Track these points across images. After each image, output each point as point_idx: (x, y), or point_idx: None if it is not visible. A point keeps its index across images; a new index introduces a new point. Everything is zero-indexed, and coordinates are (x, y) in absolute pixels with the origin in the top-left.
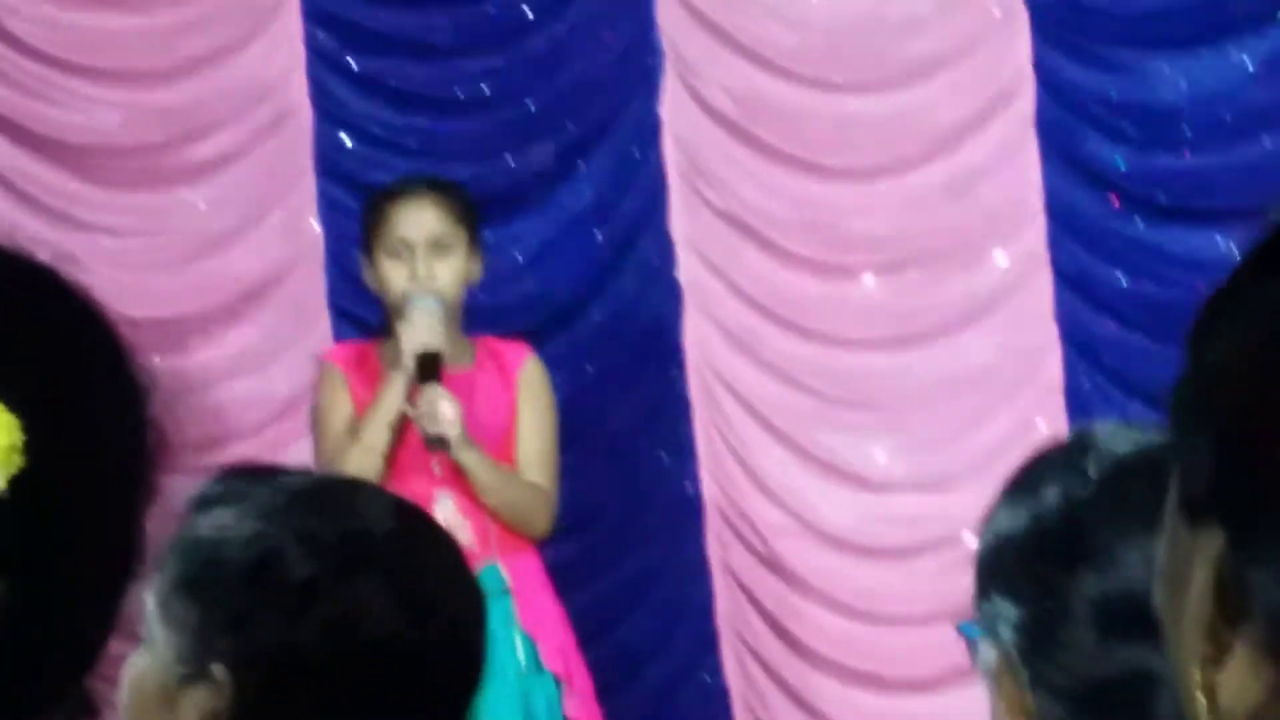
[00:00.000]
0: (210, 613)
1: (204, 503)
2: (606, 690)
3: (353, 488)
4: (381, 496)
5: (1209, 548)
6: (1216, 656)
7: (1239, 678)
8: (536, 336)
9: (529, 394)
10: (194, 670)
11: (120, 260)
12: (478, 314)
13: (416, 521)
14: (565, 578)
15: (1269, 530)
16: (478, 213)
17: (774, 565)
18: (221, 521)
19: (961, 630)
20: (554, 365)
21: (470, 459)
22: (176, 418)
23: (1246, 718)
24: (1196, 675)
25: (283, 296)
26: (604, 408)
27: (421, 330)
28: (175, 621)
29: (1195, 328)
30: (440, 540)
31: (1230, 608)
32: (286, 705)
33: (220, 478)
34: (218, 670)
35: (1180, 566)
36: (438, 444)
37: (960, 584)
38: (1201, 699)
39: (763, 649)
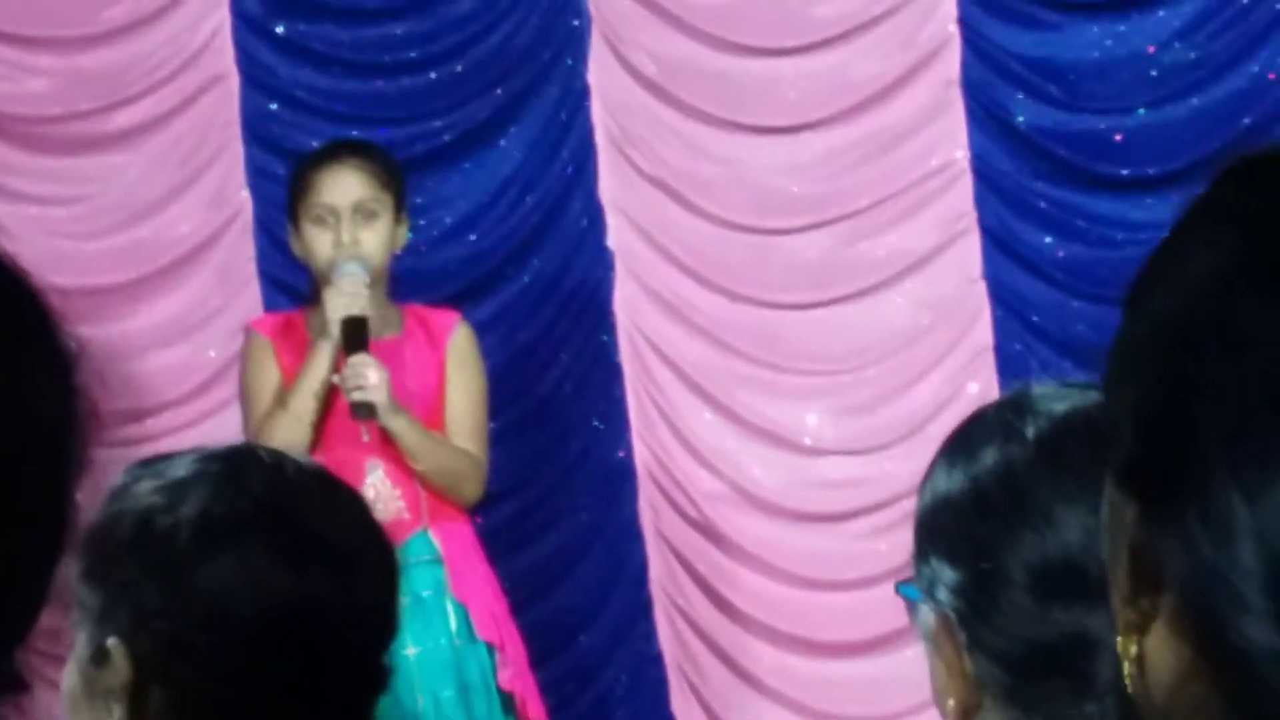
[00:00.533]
0: (106, 592)
1: (111, 497)
2: (541, 657)
3: (243, 456)
4: (272, 463)
5: (1129, 519)
6: (1141, 624)
7: (1162, 646)
8: (465, 301)
9: (458, 361)
10: (97, 651)
11: (48, 228)
12: (405, 279)
13: (310, 483)
14: (498, 544)
15: (1179, 503)
16: (403, 178)
17: (707, 530)
18: (115, 507)
19: (901, 592)
20: (484, 330)
21: (399, 425)
22: (106, 388)
23: (1172, 685)
24: (1123, 642)
25: (212, 264)
26: (535, 373)
27: (347, 296)
28: (84, 610)
29: (1131, 289)
30: (338, 499)
31: (1149, 579)
32: (184, 672)
33: (125, 471)
34: (112, 644)
35: (1115, 530)
36: (364, 411)
37: (892, 547)
38: (1129, 666)
39: (696, 614)
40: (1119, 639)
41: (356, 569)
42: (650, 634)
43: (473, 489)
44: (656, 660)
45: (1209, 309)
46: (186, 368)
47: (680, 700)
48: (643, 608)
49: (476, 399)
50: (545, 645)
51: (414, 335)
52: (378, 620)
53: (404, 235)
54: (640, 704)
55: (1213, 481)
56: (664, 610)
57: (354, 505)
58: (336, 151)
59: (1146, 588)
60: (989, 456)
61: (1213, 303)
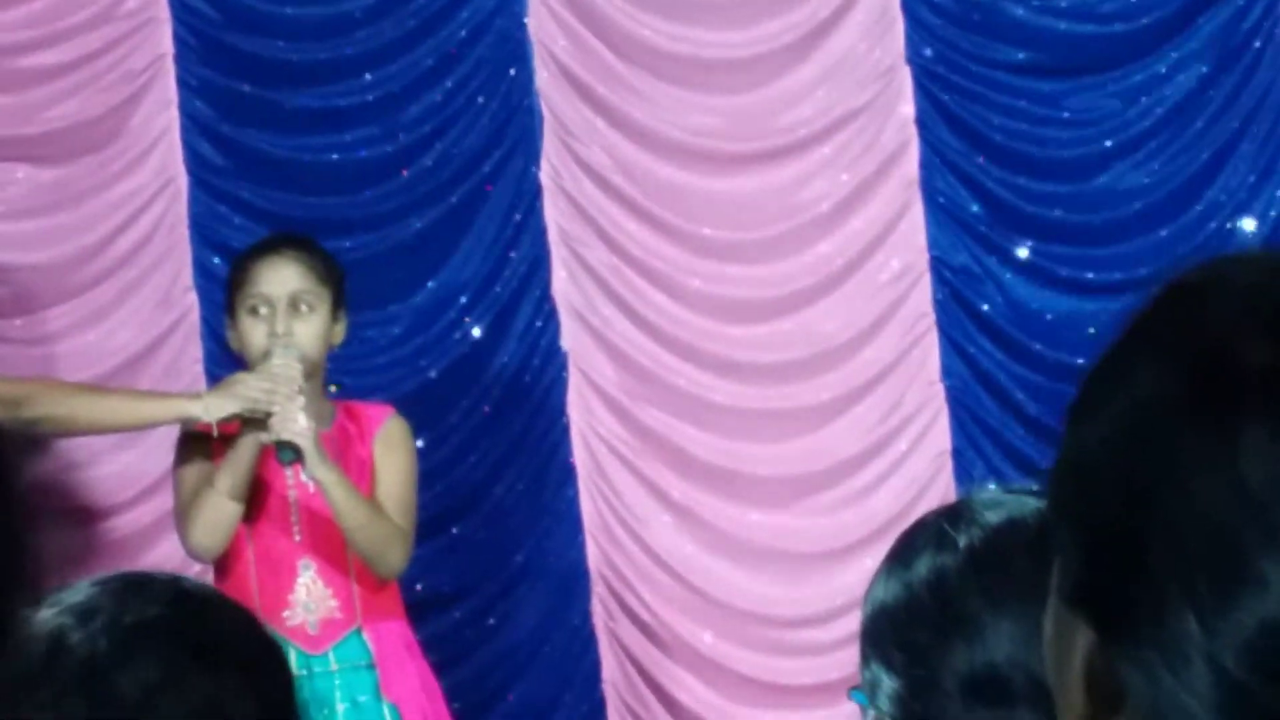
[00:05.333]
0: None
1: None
2: None
3: (139, 574)
4: (169, 577)
5: (1082, 640)
6: None
7: None
8: (419, 402)
9: (386, 446)
10: None
11: None
12: (356, 381)
13: (207, 593)
14: (451, 645)
15: (1139, 633)
16: (343, 275)
17: (659, 635)
18: (11, 641)
19: (852, 697)
20: (438, 433)
21: (327, 476)
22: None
23: None
24: None
25: (158, 366)
26: (488, 473)
27: (279, 369)
28: None
29: (1072, 409)
30: (234, 609)
31: (1104, 701)
32: None
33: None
34: None
35: (1062, 645)
36: (290, 453)
37: (852, 655)
38: None
39: (650, 716)
40: None
41: (261, 671)
42: None
43: (398, 558)
44: None
45: (1151, 440)
46: (131, 474)
47: None
48: (596, 709)
49: (404, 479)
50: None
51: (345, 430)
52: (282, 717)
53: (341, 332)
54: None
55: (1167, 609)
56: (616, 712)
57: (247, 615)
58: (275, 243)
59: (1101, 710)
60: (923, 565)
61: (1154, 433)
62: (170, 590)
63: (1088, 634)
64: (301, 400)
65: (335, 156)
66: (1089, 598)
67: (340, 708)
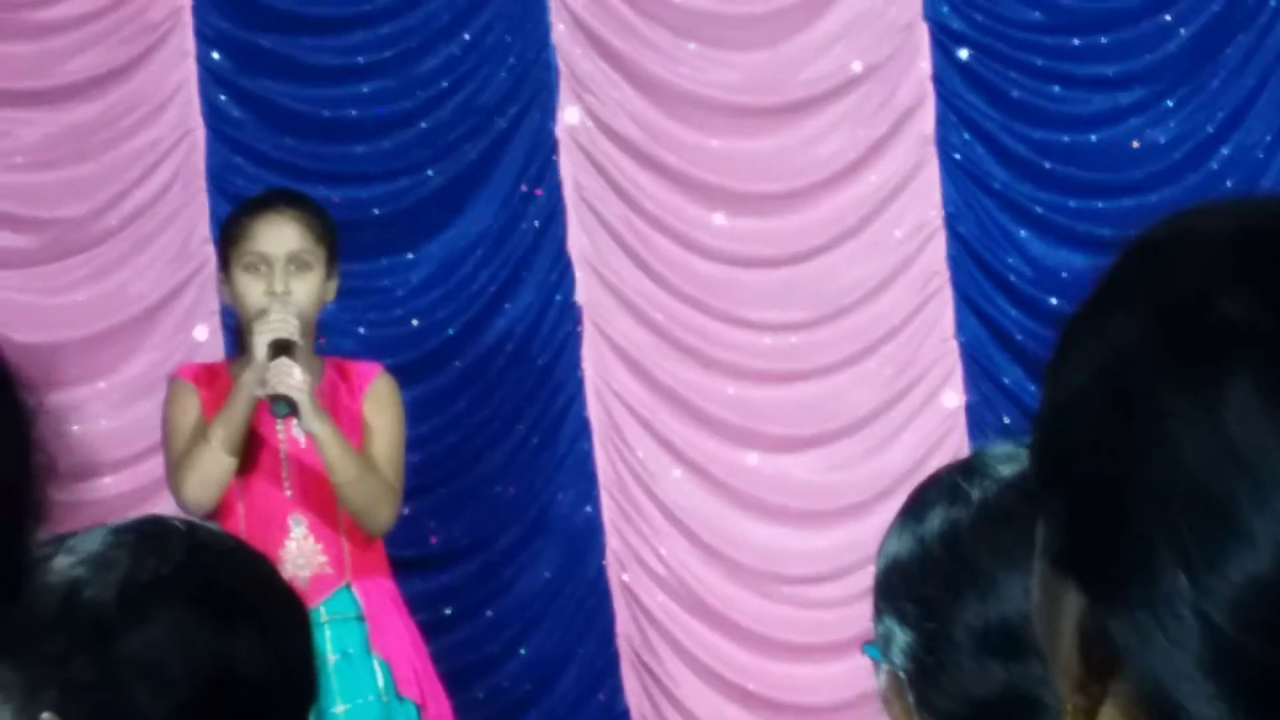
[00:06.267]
0: (29, 671)
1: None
2: (510, 711)
3: (157, 524)
4: (186, 529)
5: (1072, 604)
6: (1089, 709)
7: None
8: (433, 359)
9: (376, 405)
10: None
11: (8, 284)
12: (370, 340)
13: (224, 546)
14: (463, 599)
15: (1129, 594)
16: (337, 232)
17: (674, 588)
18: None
19: (865, 651)
20: (452, 387)
21: (322, 430)
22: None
23: None
24: None
25: (174, 317)
26: (503, 428)
27: (277, 324)
28: (3, 691)
29: (1050, 360)
30: (252, 562)
31: (1098, 663)
32: None
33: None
34: (46, 718)
35: (1052, 610)
36: (284, 406)
37: (864, 612)
38: None
39: (664, 670)
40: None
41: (278, 627)
42: (617, 689)
43: (387, 514)
44: (623, 716)
45: (1132, 398)
46: (149, 427)
47: None
48: (609, 663)
49: (394, 439)
50: (513, 700)
51: (335, 387)
52: (301, 677)
53: (334, 290)
54: None
55: (1157, 568)
56: (630, 665)
57: (266, 567)
58: (273, 201)
59: (1096, 673)
60: (935, 519)
61: (1136, 391)
62: (185, 543)
63: (1079, 598)
64: (294, 363)
65: (353, 109)
66: (1078, 561)
67: (331, 659)
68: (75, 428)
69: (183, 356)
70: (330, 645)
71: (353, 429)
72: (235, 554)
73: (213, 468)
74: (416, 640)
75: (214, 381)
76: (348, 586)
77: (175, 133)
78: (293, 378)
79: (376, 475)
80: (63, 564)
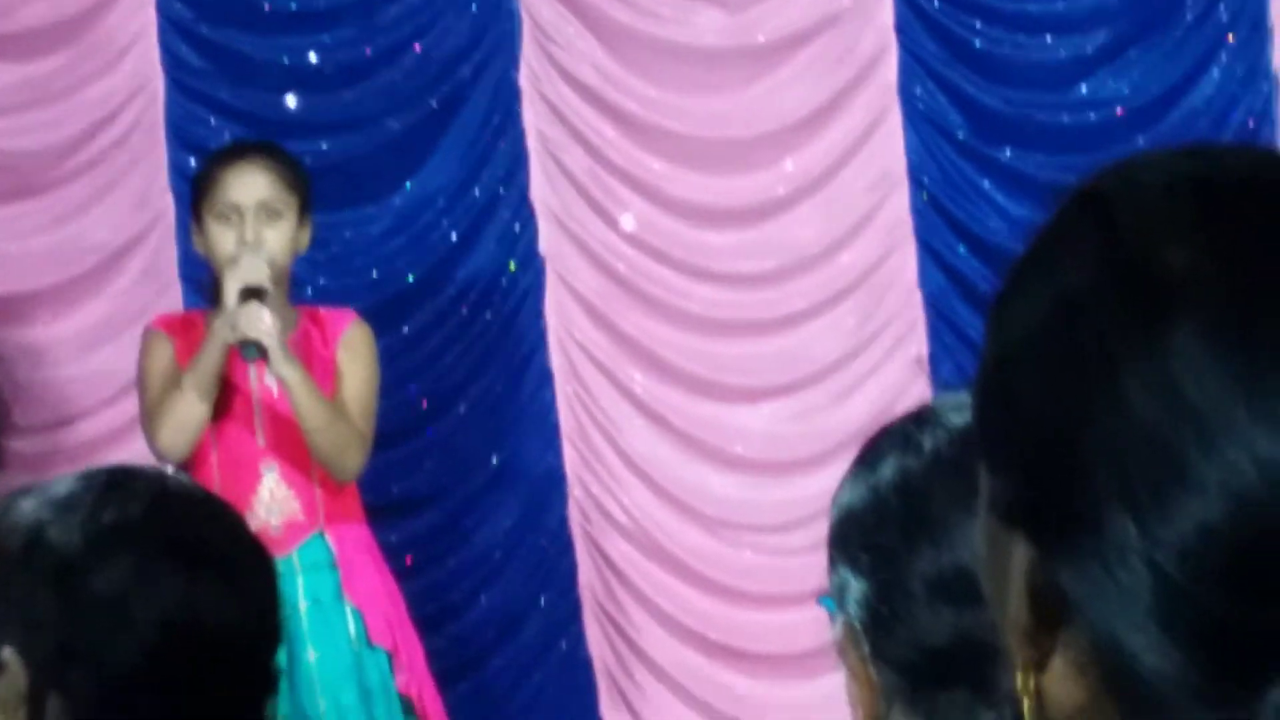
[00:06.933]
0: None
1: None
2: (472, 660)
3: (125, 470)
4: (154, 474)
5: (1021, 556)
6: (1039, 660)
7: (1061, 681)
8: (396, 308)
9: (349, 353)
10: None
11: None
12: (331, 288)
13: (190, 493)
14: (427, 548)
15: (1079, 545)
16: (309, 181)
17: (637, 538)
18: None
19: (820, 602)
20: (414, 336)
21: (291, 374)
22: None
23: (1071, 718)
24: (1022, 678)
25: (134, 267)
26: (466, 378)
27: (248, 270)
28: None
29: (994, 306)
30: (217, 508)
31: (1048, 615)
32: (81, 678)
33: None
34: (7, 655)
35: (999, 562)
36: (254, 351)
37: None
38: (1029, 702)
39: (626, 620)
40: (1018, 675)
41: (241, 572)
42: (580, 637)
43: (355, 461)
44: (585, 664)
45: (1078, 348)
46: (109, 373)
47: (609, 705)
48: (572, 612)
49: (365, 385)
50: (475, 649)
51: (309, 335)
52: (265, 622)
53: (306, 238)
54: (568, 707)
55: (1105, 517)
56: (593, 615)
57: (231, 514)
58: (244, 150)
59: (1046, 625)
60: (888, 468)
61: (1081, 340)
62: (152, 489)
63: (1027, 549)
64: (264, 308)
65: (314, 57)
66: (1025, 512)
67: (303, 606)
68: (38, 376)
69: (142, 306)
70: (302, 593)
71: (326, 376)
72: (202, 503)
73: (186, 415)
74: (390, 587)
75: (189, 331)
76: (321, 534)
77: (134, 81)
78: (263, 322)
79: (346, 422)
80: (28, 506)
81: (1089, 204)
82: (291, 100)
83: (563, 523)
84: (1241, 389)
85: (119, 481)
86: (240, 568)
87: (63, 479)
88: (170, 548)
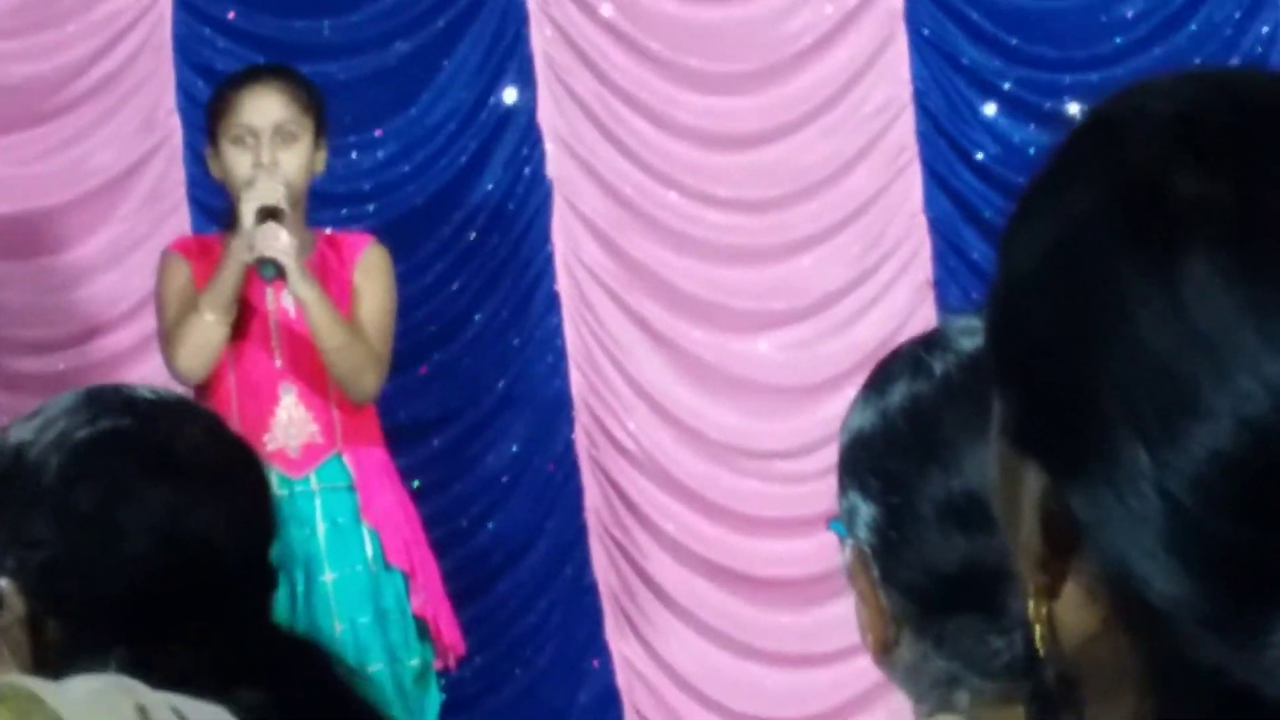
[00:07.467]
0: None
1: None
2: (479, 584)
3: (99, 388)
4: (126, 390)
5: (1033, 483)
6: (1051, 587)
7: (1073, 608)
8: (403, 231)
9: (366, 274)
10: None
11: None
12: (342, 208)
13: (166, 402)
14: (434, 471)
15: (1091, 472)
16: (324, 103)
17: (643, 463)
18: None
19: (830, 527)
20: (422, 260)
21: (309, 294)
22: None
23: (1084, 644)
24: (1034, 605)
25: (140, 189)
26: (472, 301)
27: (264, 191)
28: None
29: (1004, 234)
30: (196, 415)
31: (1060, 542)
32: (78, 597)
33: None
34: (4, 584)
35: (1011, 488)
36: (272, 269)
37: (832, 486)
38: (1040, 629)
39: (632, 544)
40: (1029, 601)
41: (224, 472)
42: (585, 563)
43: (372, 381)
44: (591, 590)
45: (1089, 276)
46: (118, 296)
47: (615, 630)
48: (578, 537)
49: (382, 306)
50: (481, 573)
51: (326, 258)
52: (256, 520)
53: (322, 160)
54: (574, 632)
55: (1117, 445)
56: (599, 539)
57: (207, 415)
58: (258, 73)
59: (1058, 551)
60: (898, 393)
61: (1092, 268)
62: (126, 401)
63: (1039, 475)
64: (281, 228)
65: None
66: (1037, 439)
67: (321, 527)
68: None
69: (149, 229)
70: (320, 514)
71: (342, 298)
72: (178, 409)
73: (204, 336)
74: (408, 509)
75: (206, 254)
76: (338, 455)
77: (141, 2)
78: (280, 241)
79: (363, 342)
80: (19, 428)
81: (1098, 130)
82: (298, 23)
83: (569, 447)
84: (1252, 315)
85: (92, 400)
86: (226, 474)
87: (50, 401)
88: (147, 457)
